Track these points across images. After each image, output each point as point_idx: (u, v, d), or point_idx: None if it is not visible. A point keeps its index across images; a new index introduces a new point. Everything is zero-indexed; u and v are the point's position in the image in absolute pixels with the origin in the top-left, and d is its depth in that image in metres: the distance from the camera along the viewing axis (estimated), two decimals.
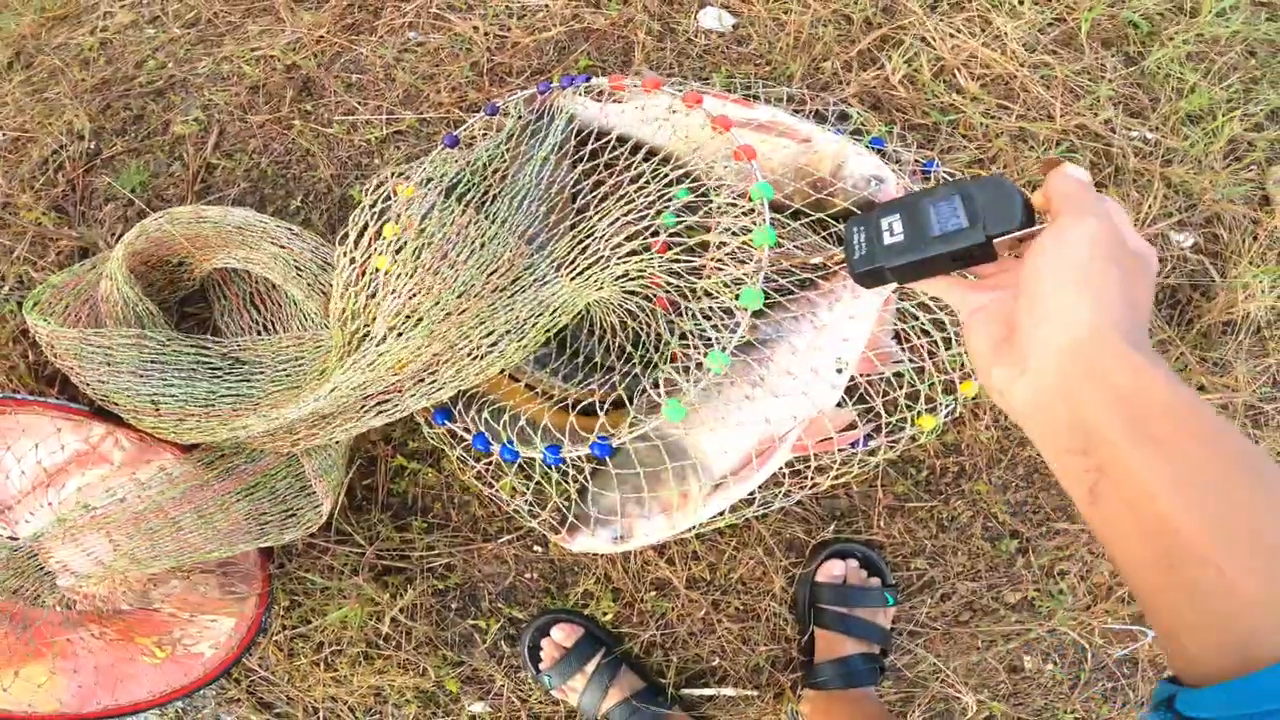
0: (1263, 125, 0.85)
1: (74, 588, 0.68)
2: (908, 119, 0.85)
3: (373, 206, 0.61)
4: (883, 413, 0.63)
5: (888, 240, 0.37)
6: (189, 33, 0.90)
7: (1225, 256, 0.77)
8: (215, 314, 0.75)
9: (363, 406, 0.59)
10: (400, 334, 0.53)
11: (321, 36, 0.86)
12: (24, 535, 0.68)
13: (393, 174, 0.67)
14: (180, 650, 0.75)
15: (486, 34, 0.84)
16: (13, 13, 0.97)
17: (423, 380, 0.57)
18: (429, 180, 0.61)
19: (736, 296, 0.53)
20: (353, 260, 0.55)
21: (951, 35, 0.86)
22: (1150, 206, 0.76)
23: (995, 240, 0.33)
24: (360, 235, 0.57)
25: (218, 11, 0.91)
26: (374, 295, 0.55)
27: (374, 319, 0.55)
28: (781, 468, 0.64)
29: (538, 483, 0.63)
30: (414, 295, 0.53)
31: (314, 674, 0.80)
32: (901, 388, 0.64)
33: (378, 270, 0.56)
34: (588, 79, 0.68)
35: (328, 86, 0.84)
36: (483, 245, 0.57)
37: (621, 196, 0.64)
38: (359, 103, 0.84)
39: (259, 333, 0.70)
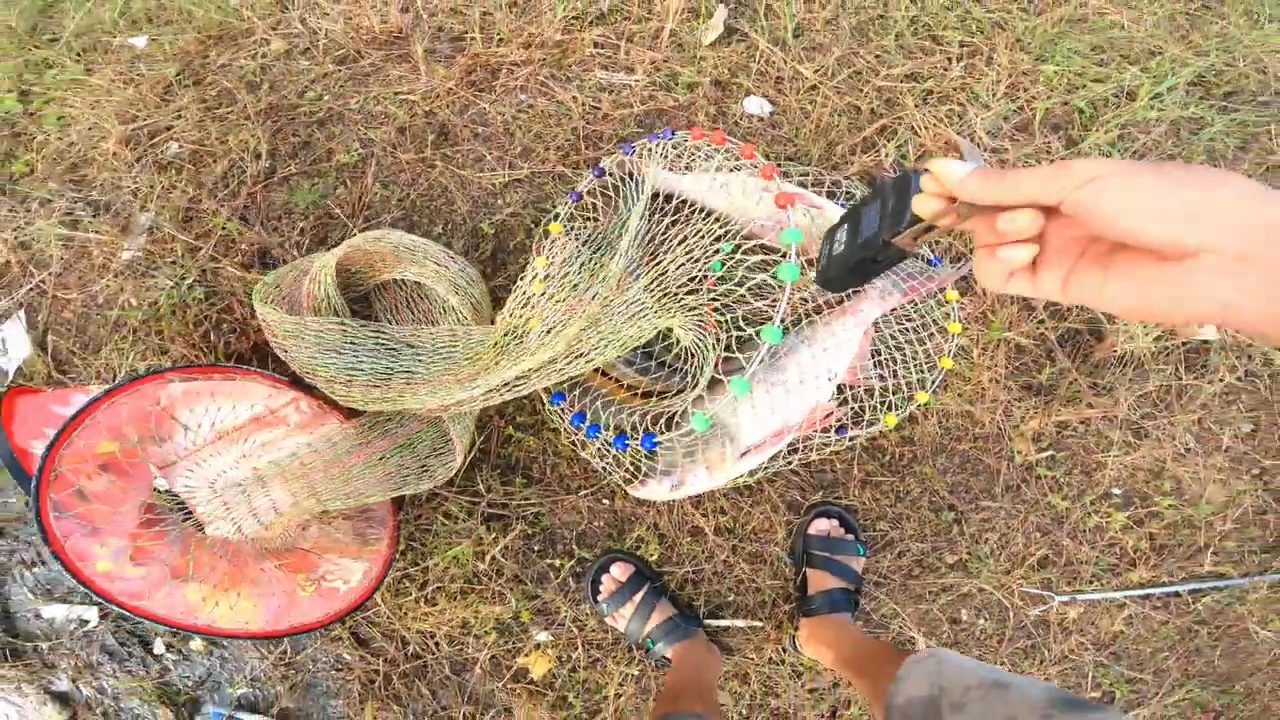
0: None
1: (263, 528, 0.90)
2: None
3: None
4: (862, 410, 0.91)
5: (835, 250, 0.39)
6: (340, 69, 1.13)
7: None
8: (377, 310, 0.99)
9: (505, 386, 0.83)
10: (544, 343, 0.78)
11: (451, 88, 1.10)
12: (178, 487, 0.87)
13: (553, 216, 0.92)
14: (325, 585, 0.97)
15: (583, 104, 1.10)
16: (174, 28, 1.18)
17: (548, 372, 0.82)
18: (571, 229, 0.87)
19: (758, 332, 0.70)
20: (523, 292, 0.80)
21: (934, 124, 1.14)
22: None
23: (895, 240, 0.33)
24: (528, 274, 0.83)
25: (362, 50, 1.15)
26: (528, 305, 0.81)
27: (527, 330, 0.80)
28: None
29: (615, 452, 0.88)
30: (560, 314, 0.78)
31: (414, 610, 1.03)
32: (874, 395, 0.93)
33: (533, 295, 0.81)
34: (671, 134, 0.93)
35: (460, 134, 1.09)
36: (602, 280, 0.83)
37: (684, 244, 0.90)
38: (486, 152, 1.08)
39: (417, 325, 0.94)
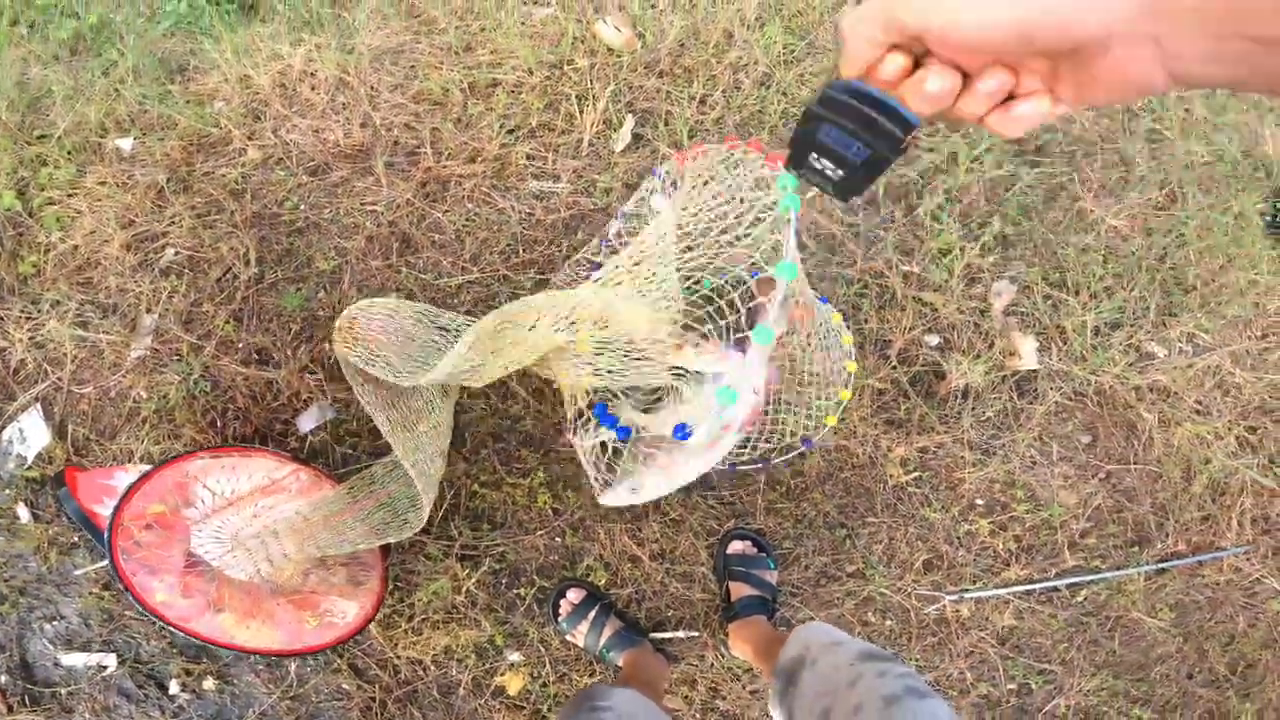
0: (990, 248, 1.44)
1: (276, 571, 1.12)
2: None
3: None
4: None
5: (838, 177, 0.43)
6: (313, 180, 1.36)
7: (956, 348, 1.37)
8: None
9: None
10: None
11: (410, 199, 1.34)
12: (206, 540, 1.11)
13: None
14: (326, 620, 1.18)
15: (520, 211, 1.36)
16: (158, 134, 1.38)
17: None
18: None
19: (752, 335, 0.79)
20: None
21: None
22: (910, 320, 1.36)
23: (910, 139, 0.38)
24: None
25: (330, 163, 1.37)
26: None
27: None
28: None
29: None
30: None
31: (404, 640, 1.24)
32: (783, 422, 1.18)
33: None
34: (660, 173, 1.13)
35: (420, 242, 1.33)
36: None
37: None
38: (442, 258, 1.32)
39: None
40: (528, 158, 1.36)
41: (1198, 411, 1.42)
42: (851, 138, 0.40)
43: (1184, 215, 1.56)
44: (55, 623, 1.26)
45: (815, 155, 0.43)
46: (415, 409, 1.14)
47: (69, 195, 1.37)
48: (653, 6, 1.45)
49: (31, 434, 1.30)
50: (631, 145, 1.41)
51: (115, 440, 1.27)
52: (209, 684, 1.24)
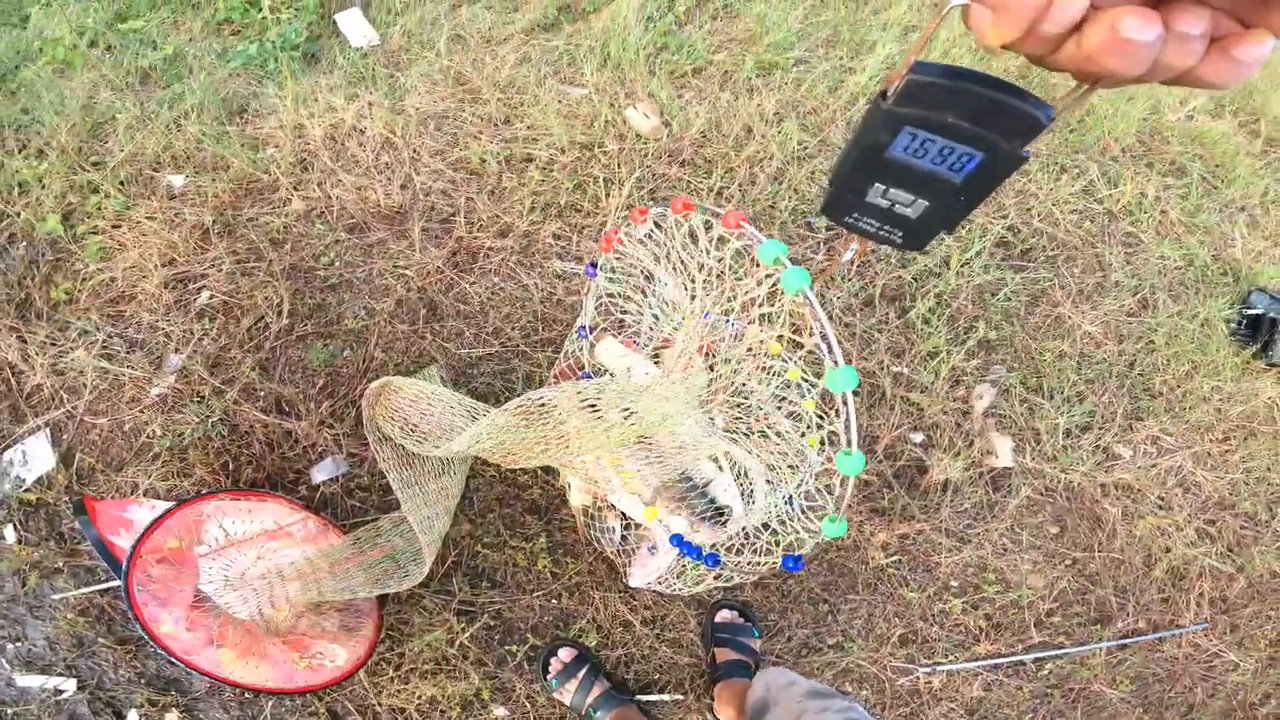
0: (975, 352, 1.57)
1: (274, 611, 1.17)
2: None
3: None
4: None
5: (907, 212, 0.33)
6: (350, 238, 1.45)
7: (938, 445, 1.48)
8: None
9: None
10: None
11: (440, 267, 1.44)
12: (214, 576, 1.17)
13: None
14: (315, 663, 1.24)
15: (542, 290, 1.45)
16: (211, 175, 1.46)
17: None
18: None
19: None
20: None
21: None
22: (897, 418, 1.47)
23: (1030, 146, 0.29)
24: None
25: (369, 222, 1.46)
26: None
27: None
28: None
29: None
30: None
31: (389, 688, 1.29)
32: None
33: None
34: (588, 332, 1.26)
35: (446, 311, 1.42)
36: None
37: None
38: (465, 328, 1.41)
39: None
40: (554, 237, 1.47)
41: (1160, 506, 1.55)
42: (953, 141, 0.30)
43: (1154, 322, 1.71)
44: (18, 644, 1.27)
45: (879, 185, 0.33)
46: (428, 470, 1.21)
47: (114, 226, 1.44)
48: (679, 96, 1.58)
49: (35, 458, 1.34)
50: (650, 235, 1.52)
51: (121, 472, 1.32)
52: (171, 716, 1.25)
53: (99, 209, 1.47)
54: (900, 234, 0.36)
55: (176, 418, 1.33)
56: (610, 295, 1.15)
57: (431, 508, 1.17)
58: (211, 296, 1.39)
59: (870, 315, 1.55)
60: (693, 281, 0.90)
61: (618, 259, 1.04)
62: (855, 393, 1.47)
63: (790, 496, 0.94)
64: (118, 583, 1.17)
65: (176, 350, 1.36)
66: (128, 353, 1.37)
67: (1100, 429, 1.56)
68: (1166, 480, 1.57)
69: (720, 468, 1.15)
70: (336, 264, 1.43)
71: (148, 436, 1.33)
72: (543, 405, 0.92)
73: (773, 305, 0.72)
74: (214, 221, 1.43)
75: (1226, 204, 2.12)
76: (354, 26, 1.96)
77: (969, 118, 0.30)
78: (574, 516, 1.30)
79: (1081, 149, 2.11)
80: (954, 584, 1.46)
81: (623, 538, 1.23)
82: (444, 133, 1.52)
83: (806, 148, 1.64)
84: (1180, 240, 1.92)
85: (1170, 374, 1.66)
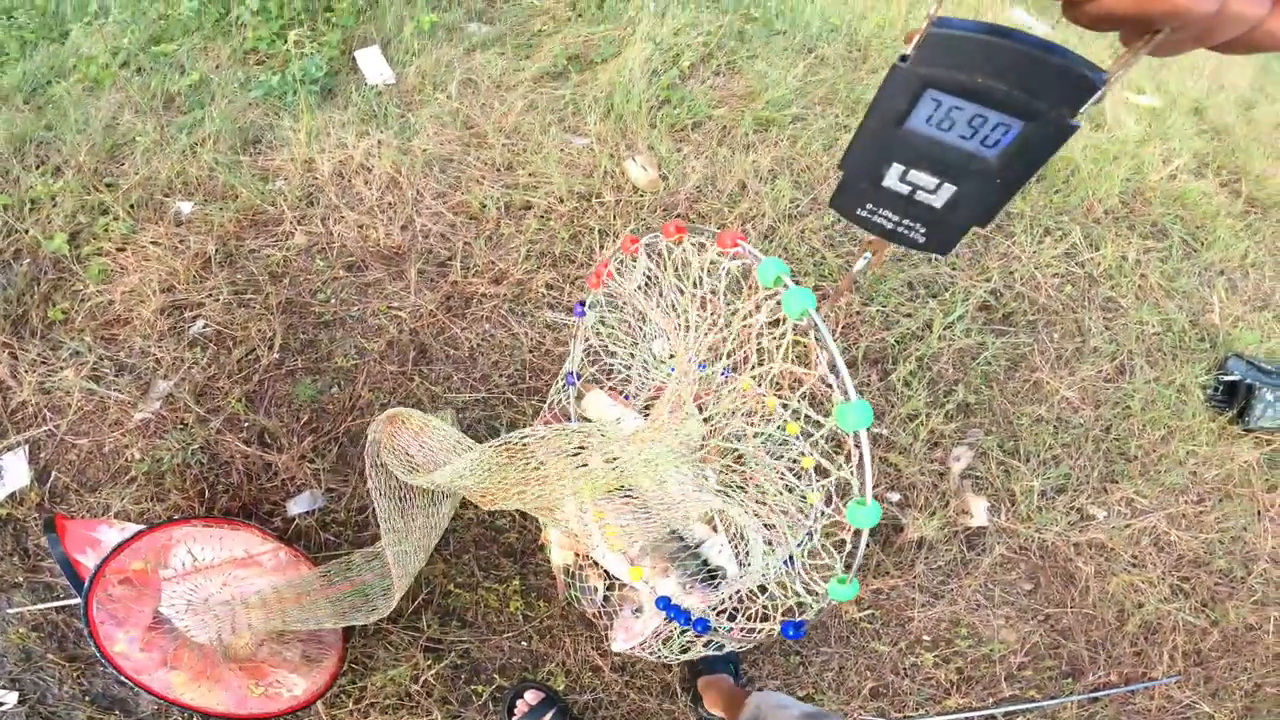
0: (953, 416, 1.61)
1: (234, 637, 1.17)
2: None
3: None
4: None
5: (931, 200, 0.28)
6: (348, 276, 1.49)
7: (914, 505, 1.50)
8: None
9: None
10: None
11: (433, 311, 1.47)
12: (177, 600, 1.17)
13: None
14: (271, 691, 1.23)
15: (532, 339, 1.48)
16: (220, 204, 1.50)
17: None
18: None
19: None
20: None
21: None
22: (875, 478, 1.49)
23: (1082, 114, 0.25)
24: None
25: (368, 261, 1.50)
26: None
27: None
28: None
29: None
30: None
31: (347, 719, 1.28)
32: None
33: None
34: (575, 378, 1.29)
35: (436, 355, 1.45)
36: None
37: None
38: (453, 372, 1.44)
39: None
40: (547, 286, 1.51)
41: (1133, 564, 1.57)
42: (986, 108, 0.25)
43: (1130, 388, 1.75)
44: None
45: (897, 166, 0.28)
46: (416, 506, 1.23)
47: (119, 249, 1.48)
48: (678, 150, 1.64)
49: (10, 474, 1.35)
50: (642, 286, 1.57)
51: (96, 493, 1.33)
52: None
53: (106, 231, 1.51)
54: (923, 230, 0.30)
55: (157, 443, 1.34)
56: (600, 337, 1.12)
57: (411, 543, 1.19)
58: (206, 326, 1.42)
59: (853, 378, 1.58)
60: (685, 313, 0.79)
61: (608, 297, 0.99)
62: (837, 450, 1.50)
63: (791, 556, 0.85)
64: (75, 600, 1.18)
65: (165, 377, 1.39)
66: (116, 376, 1.39)
67: (1075, 491, 1.58)
68: (1140, 540, 1.59)
69: (715, 528, 1.14)
70: (332, 301, 1.47)
71: (126, 460, 1.34)
72: (525, 444, 0.92)
73: (774, 335, 0.63)
74: (216, 251, 1.47)
75: (1206, 267, 2.19)
76: (372, 64, 2.04)
77: (1004, 79, 0.24)
78: (549, 562, 1.31)
79: (1066, 210, 2.18)
80: (926, 638, 1.47)
81: (605, 599, 1.23)
82: (448, 175, 1.57)
83: (798, 205, 1.70)
84: (1159, 305, 1.97)
85: (1146, 439, 1.70)
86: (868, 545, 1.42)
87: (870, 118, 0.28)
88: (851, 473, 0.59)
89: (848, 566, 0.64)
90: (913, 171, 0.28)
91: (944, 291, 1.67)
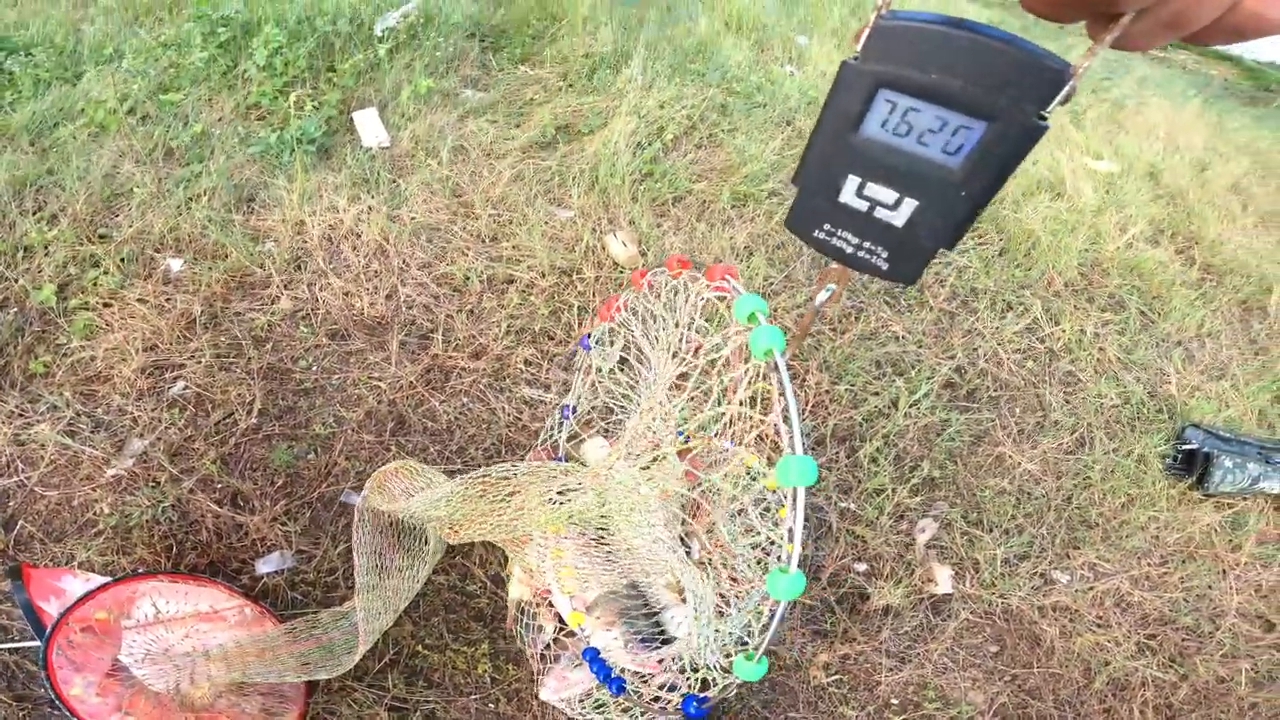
0: (918, 490, 1.70)
1: (193, 688, 1.19)
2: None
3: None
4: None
5: (892, 217, 0.26)
6: (331, 344, 1.55)
7: (880, 574, 1.57)
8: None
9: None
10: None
11: (412, 383, 1.54)
12: (137, 649, 1.19)
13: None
14: None
15: (509, 414, 1.56)
16: (206, 264, 1.56)
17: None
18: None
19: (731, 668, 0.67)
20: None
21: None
22: (842, 549, 1.56)
23: (1049, 112, 0.23)
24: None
25: (350, 330, 1.57)
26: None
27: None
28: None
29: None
30: None
31: None
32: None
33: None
34: (571, 411, 1.34)
35: (414, 426, 1.51)
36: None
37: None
38: (430, 444, 1.50)
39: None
40: (525, 363, 1.59)
41: (1098, 624, 1.62)
42: (944, 109, 0.24)
43: (1090, 459, 1.86)
44: None
45: (853, 179, 0.26)
46: (394, 566, 1.27)
47: (105, 304, 1.53)
48: (659, 225, 1.76)
49: None
50: (619, 366, 1.66)
51: (61, 543, 1.35)
52: None
53: (95, 284, 1.57)
54: (885, 254, 0.28)
55: (128, 499, 1.38)
56: (599, 374, 1.13)
57: (384, 601, 1.23)
58: (186, 387, 1.48)
59: (821, 454, 1.67)
60: (668, 345, 0.80)
61: (613, 337, 1.01)
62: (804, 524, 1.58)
63: (714, 627, 0.83)
64: (32, 643, 1.20)
65: (141, 435, 1.43)
66: (92, 432, 1.43)
67: (1037, 557, 1.66)
68: (1104, 601, 1.65)
69: (683, 599, 1.14)
70: (313, 368, 1.53)
71: (94, 514, 1.37)
72: (504, 479, 0.96)
73: (736, 376, 0.62)
74: (202, 312, 1.53)
75: (1163, 338, 2.34)
76: (369, 126, 2.17)
77: (962, 74, 0.23)
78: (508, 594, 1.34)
79: (1027, 284, 2.34)
80: (894, 701, 1.50)
81: (548, 645, 1.23)
82: (434, 245, 1.67)
83: (772, 283, 1.82)
84: (1117, 378, 2.10)
85: (1106, 506, 1.79)
86: (834, 613, 1.48)
87: (823, 125, 0.27)
88: (781, 538, 0.56)
89: (759, 642, 0.60)
90: (870, 185, 0.27)
91: (910, 370, 1.78)
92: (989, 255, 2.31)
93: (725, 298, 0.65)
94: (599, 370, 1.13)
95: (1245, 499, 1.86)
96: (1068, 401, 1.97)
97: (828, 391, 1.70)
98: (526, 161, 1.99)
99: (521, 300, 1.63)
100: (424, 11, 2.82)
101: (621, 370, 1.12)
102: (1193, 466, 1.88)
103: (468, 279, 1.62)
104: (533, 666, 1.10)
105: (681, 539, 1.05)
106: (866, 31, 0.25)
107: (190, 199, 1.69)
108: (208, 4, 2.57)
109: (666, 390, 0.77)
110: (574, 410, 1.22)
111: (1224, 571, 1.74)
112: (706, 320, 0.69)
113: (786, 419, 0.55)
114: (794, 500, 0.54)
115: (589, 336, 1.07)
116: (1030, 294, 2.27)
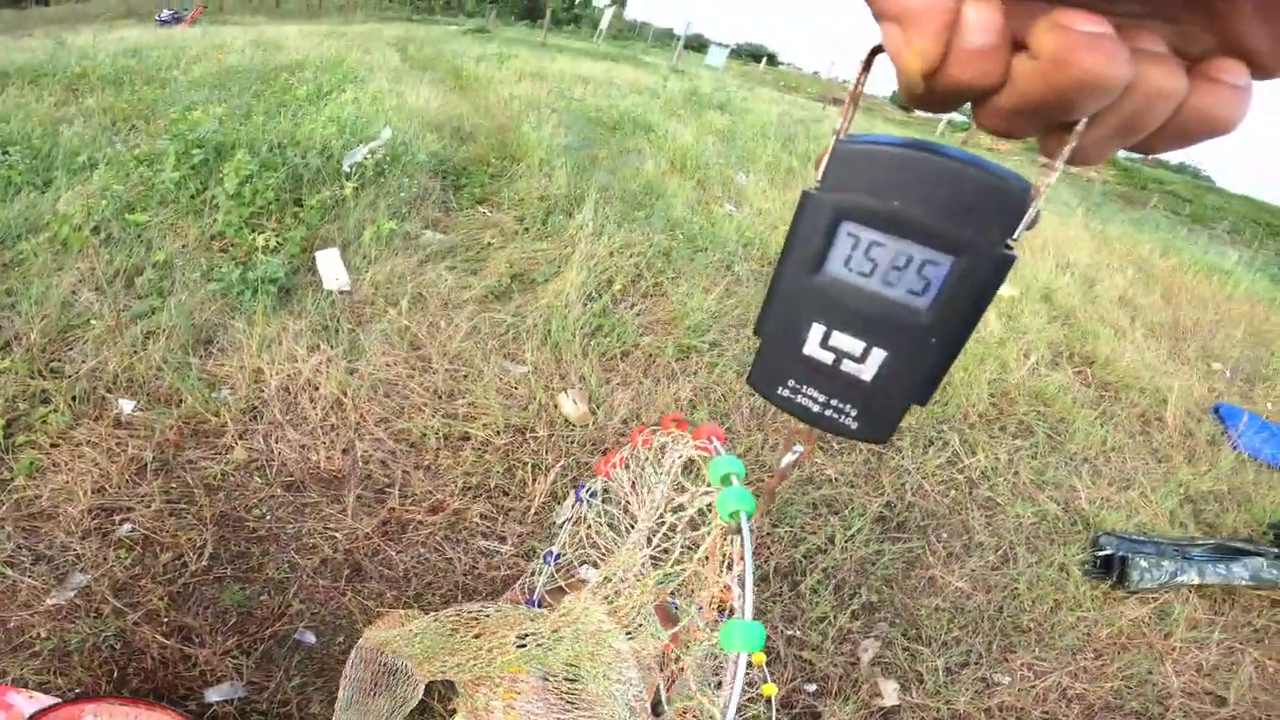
0: (859, 614, 1.84)
1: None
2: None
3: None
4: None
5: (859, 371, 0.27)
6: (286, 495, 1.63)
7: (829, 693, 1.67)
8: None
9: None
10: None
11: (369, 534, 1.63)
12: None
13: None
14: None
15: (465, 564, 1.66)
16: (159, 410, 1.62)
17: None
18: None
19: None
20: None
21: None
22: (791, 673, 1.68)
23: (1016, 239, 0.24)
24: None
25: (306, 483, 1.67)
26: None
27: None
28: None
29: None
30: None
31: None
32: None
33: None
34: (555, 556, 1.43)
35: (370, 573, 1.58)
36: None
37: None
38: (387, 590, 1.57)
39: None
40: (481, 516, 1.72)
41: (1045, 717, 1.72)
42: (909, 242, 0.24)
43: (1015, 573, 2.08)
44: None
45: (818, 327, 0.27)
46: (376, 712, 1.30)
47: (53, 445, 1.60)
48: (607, 381, 1.99)
49: None
50: (571, 520, 1.83)
51: None
52: None
53: (44, 422, 1.64)
54: (854, 412, 0.28)
55: (68, 626, 1.37)
56: (586, 525, 1.19)
57: None
58: (133, 530, 1.53)
59: (765, 590, 1.84)
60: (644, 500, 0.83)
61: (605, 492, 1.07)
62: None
63: None
64: None
65: (84, 571, 1.45)
66: (32, 564, 1.45)
67: (977, 664, 1.80)
68: (1047, 696, 1.77)
69: None
70: (267, 518, 1.59)
71: (30, 636, 1.35)
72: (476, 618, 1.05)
73: (709, 536, 0.64)
74: (154, 458, 1.61)
75: (1070, 457, 2.67)
76: (330, 267, 2.37)
77: (923, 202, 0.24)
78: None
79: (945, 419, 2.68)
80: None
81: None
82: (392, 400, 1.82)
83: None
84: (1032, 498, 2.39)
85: (1036, 612, 1.98)
86: None
87: (784, 264, 0.27)
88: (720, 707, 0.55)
89: None
90: (836, 334, 0.27)
91: (844, 508, 2.00)
92: None
93: (707, 457, 0.68)
94: (588, 523, 1.20)
95: (1167, 592, 2.10)
96: (989, 523, 2.23)
97: (769, 534, 1.89)
98: (482, 315, 2.22)
99: (477, 458, 1.76)
100: (391, 148, 3.19)
101: (607, 525, 1.25)
102: (1110, 569, 2.13)
103: (424, 436, 1.75)
104: None
105: (654, 706, 1.03)
106: (825, 157, 0.25)
107: (147, 335, 1.77)
108: (185, 122, 2.83)
109: (642, 545, 0.80)
110: (557, 557, 1.33)
111: (1160, 657, 1.90)
112: (694, 480, 0.72)
113: (741, 584, 0.55)
114: (736, 672, 0.54)
115: (583, 488, 1.16)
116: (948, 428, 2.61)
